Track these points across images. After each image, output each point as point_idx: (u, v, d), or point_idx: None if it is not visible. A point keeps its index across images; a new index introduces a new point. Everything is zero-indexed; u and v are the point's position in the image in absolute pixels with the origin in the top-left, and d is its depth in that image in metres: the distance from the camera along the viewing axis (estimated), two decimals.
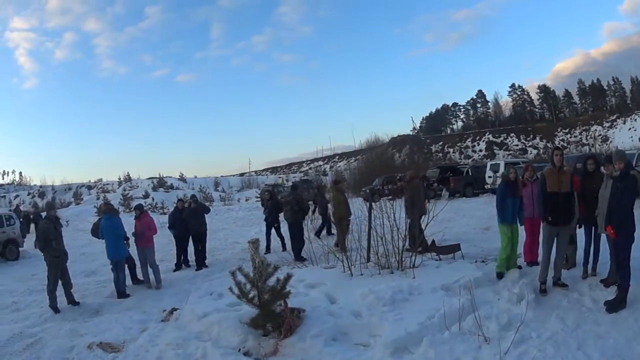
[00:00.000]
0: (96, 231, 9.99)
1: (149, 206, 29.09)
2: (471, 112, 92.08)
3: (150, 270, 10.08)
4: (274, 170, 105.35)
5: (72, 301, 8.85)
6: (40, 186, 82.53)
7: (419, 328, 5.31)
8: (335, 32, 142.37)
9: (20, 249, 16.43)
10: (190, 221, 11.70)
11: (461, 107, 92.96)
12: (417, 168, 35.05)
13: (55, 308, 8.51)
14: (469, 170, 27.55)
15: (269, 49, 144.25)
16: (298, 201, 11.51)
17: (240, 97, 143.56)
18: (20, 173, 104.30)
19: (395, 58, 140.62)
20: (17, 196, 76.99)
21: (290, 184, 41.66)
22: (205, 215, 12.24)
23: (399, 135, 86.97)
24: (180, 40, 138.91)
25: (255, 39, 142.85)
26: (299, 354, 5.30)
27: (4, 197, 76.92)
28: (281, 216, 12.73)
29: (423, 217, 9.11)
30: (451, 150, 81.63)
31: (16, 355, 6.44)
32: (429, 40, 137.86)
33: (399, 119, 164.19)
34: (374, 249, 8.34)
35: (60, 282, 8.78)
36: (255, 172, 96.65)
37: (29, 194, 79.31)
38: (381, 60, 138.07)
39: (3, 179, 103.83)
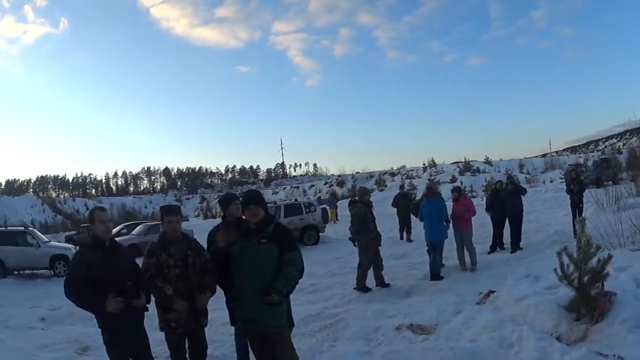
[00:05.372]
0: (415, 212, 11.07)
1: None
2: None
3: (466, 252, 10.60)
4: (573, 150, 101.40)
5: (381, 283, 9.68)
6: (339, 175, 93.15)
7: None
8: None
9: (320, 234, 18.83)
10: (507, 203, 12.36)
11: None
12: None
13: (364, 289, 9.45)
14: None
15: (549, 24, 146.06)
16: None
17: (531, 75, 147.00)
18: (315, 164, 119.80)
19: None
20: (312, 186, 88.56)
21: (590, 163, 38.83)
22: (522, 197, 12.76)
23: None
24: (462, 24, 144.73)
25: (534, 15, 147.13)
26: (604, 341, 5.13)
27: (297, 187, 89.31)
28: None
29: None
30: None
31: (310, 334, 6.86)
32: None
33: None
34: None
35: (371, 265, 9.68)
36: (557, 152, 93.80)
37: (325, 183, 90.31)
38: None
39: (295, 170, 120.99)
